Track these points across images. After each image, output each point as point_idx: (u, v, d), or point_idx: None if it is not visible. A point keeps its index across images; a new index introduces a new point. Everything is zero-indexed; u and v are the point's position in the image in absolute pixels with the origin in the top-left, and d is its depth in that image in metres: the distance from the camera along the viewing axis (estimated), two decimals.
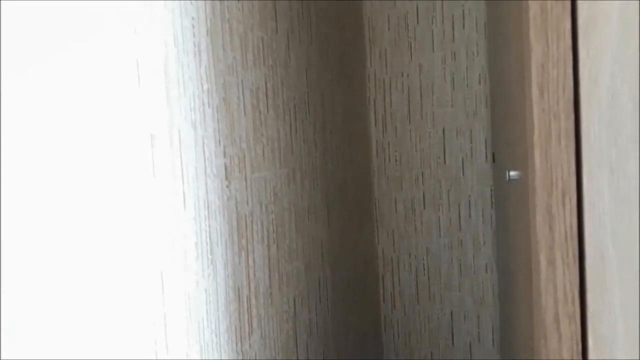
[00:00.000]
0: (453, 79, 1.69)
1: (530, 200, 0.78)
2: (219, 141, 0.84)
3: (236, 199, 0.89)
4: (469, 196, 1.70)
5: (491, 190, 1.69)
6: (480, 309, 1.70)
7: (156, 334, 0.68)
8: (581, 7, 0.68)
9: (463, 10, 1.67)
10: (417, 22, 1.69)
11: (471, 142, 1.69)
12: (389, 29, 1.71)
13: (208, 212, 0.80)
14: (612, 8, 0.68)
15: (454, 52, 1.68)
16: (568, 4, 0.68)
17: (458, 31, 1.67)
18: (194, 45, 0.79)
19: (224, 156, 0.86)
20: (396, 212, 1.70)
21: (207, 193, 0.80)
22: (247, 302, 0.93)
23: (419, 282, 1.75)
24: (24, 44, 0.45)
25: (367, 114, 1.73)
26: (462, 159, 1.70)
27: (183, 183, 0.74)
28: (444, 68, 1.69)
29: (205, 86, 0.81)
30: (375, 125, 1.74)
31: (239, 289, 0.90)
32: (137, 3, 0.64)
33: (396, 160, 1.73)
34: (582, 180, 0.72)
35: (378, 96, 1.73)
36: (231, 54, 0.90)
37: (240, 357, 0.91)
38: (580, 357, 0.75)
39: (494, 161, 1.61)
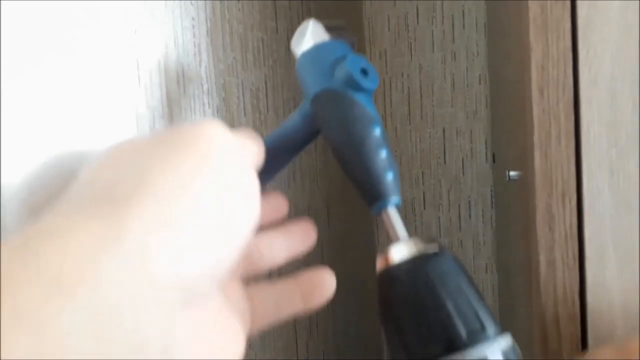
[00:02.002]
0: (453, 79, 1.69)
1: (530, 201, 0.78)
2: None
3: None
4: (469, 196, 1.70)
5: (491, 190, 1.69)
6: None
7: None
8: (581, 7, 0.68)
9: (463, 11, 1.67)
10: (417, 23, 1.69)
11: (471, 142, 1.69)
12: (388, 30, 1.71)
13: None
14: (611, 8, 0.68)
15: (454, 53, 1.68)
16: (568, 4, 0.68)
17: (458, 31, 1.67)
18: (194, 46, 0.79)
19: None
20: None
21: None
22: None
23: None
24: (23, 44, 0.45)
25: None
26: (462, 159, 1.70)
27: None
28: (444, 68, 1.69)
29: (205, 86, 0.81)
30: None
31: None
32: (137, 3, 0.65)
33: (396, 161, 1.73)
34: (582, 180, 0.72)
35: (378, 96, 1.73)
36: (231, 54, 0.90)
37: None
38: None
39: (494, 161, 1.61)
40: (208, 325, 0.28)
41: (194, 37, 0.79)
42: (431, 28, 1.69)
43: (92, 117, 0.56)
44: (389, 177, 0.37)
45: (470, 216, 1.71)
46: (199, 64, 0.80)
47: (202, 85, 0.80)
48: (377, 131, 0.38)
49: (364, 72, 0.38)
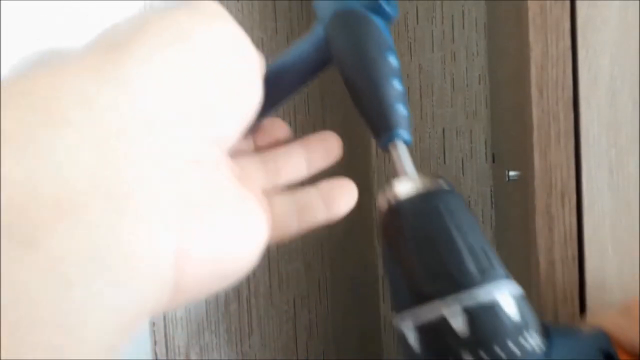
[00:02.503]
0: (453, 79, 1.69)
1: (529, 201, 0.78)
2: None
3: None
4: (469, 196, 1.70)
5: (491, 190, 1.69)
6: None
7: (156, 334, 0.68)
8: (580, 7, 0.68)
9: (463, 11, 1.67)
10: (417, 23, 1.69)
11: (471, 142, 1.69)
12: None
13: None
14: (611, 8, 0.68)
15: (454, 53, 1.68)
16: (567, 4, 0.69)
17: (458, 31, 1.67)
18: None
19: None
20: None
21: None
22: (247, 302, 0.93)
23: None
24: (23, 44, 0.45)
25: None
26: (462, 159, 1.70)
27: None
28: (444, 68, 1.69)
29: None
30: None
31: (238, 289, 0.90)
32: (138, 3, 0.65)
33: None
34: (581, 180, 0.72)
35: None
36: None
37: (241, 358, 0.91)
38: None
39: (494, 161, 1.61)
40: (223, 190, 0.27)
41: None
42: (431, 28, 1.69)
43: None
44: (401, 109, 0.36)
45: None
46: None
47: None
48: (393, 60, 0.36)
49: None
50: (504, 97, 1.27)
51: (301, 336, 1.17)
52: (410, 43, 1.69)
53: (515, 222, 1.12)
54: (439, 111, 1.70)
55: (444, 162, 1.71)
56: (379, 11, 0.37)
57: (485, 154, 1.69)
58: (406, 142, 0.35)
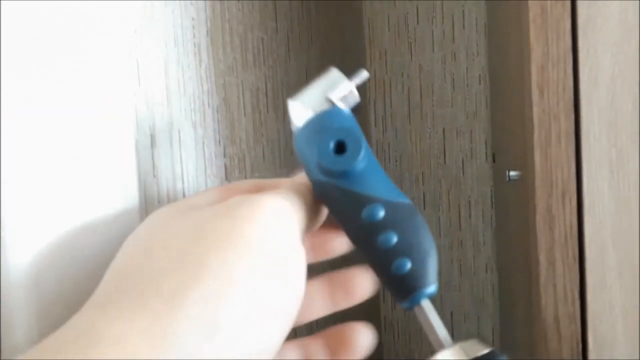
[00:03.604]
0: (453, 79, 1.69)
1: (530, 201, 0.78)
2: (219, 141, 0.84)
3: None
4: (469, 196, 1.70)
5: (491, 190, 1.69)
6: (480, 309, 1.70)
7: None
8: (581, 7, 0.68)
9: (463, 11, 1.67)
10: (417, 23, 1.69)
11: (471, 142, 1.69)
12: (388, 30, 1.71)
13: None
14: (612, 8, 0.68)
15: (454, 53, 1.68)
16: (568, 4, 0.69)
17: (458, 31, 1.67)
18: (194, 46, 0.79)
19: (224, 156, 0.86)
20: None
21: None
22: None
23: None
24: (23, 44, 0.45)
25: (367, 114, 1.73)
26: (462, 159, 1.70)
27: (183, 183, 0.74)
28: (444, 68, 1.69)
29: (206, 86, 0.81)
30: (375, 126, 1.74)
31: None
32: (137, 3, 0.65)
33: (396, 161, 1.73)
34: (582, 180, 0.72)
35: (378, 96, 1.73)
36: (231, 54, 0.90)
37: None
38: (580, 357, 0.75)
39: (494, 161, 1.61)
40: None
41: (194, 37, 0.79)
42: (431, 28, 1.69)
43: (92, 117, 0.56)
44: (405, 266, 0.31)
45: (470, 216, 1.71)
46: (199, 64, 0.80)
47: (202, 85, 0.80)
48: (376, 213, 0.31)
49: (340, 147, 0.33)
50: (505, 97, 1.27)
51: (301, 336, 1.17)
52: (410, 43, 1.70)
53: (516, 222, 1.12)
54: (439, 111, 1.70)
55: (444, 162, 1.71)
56: (332, 173, 0.33)
57: (486, 154, 1.69)
58: (430, 296, 0.33)
